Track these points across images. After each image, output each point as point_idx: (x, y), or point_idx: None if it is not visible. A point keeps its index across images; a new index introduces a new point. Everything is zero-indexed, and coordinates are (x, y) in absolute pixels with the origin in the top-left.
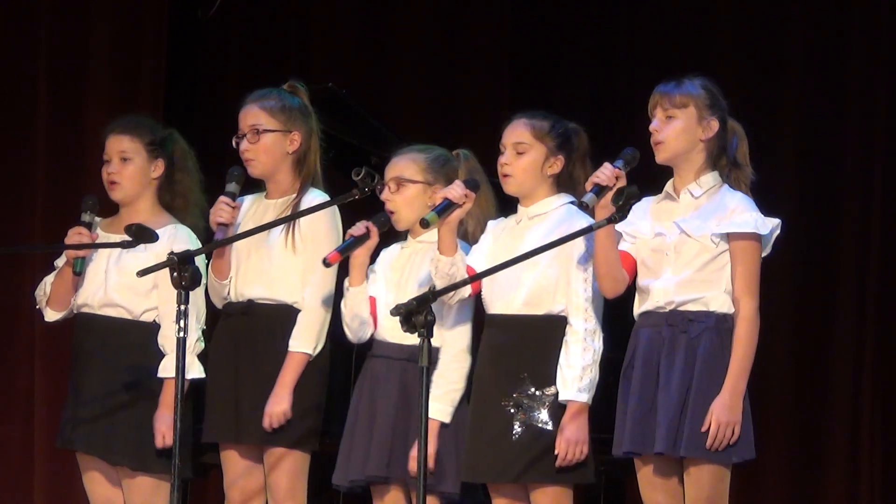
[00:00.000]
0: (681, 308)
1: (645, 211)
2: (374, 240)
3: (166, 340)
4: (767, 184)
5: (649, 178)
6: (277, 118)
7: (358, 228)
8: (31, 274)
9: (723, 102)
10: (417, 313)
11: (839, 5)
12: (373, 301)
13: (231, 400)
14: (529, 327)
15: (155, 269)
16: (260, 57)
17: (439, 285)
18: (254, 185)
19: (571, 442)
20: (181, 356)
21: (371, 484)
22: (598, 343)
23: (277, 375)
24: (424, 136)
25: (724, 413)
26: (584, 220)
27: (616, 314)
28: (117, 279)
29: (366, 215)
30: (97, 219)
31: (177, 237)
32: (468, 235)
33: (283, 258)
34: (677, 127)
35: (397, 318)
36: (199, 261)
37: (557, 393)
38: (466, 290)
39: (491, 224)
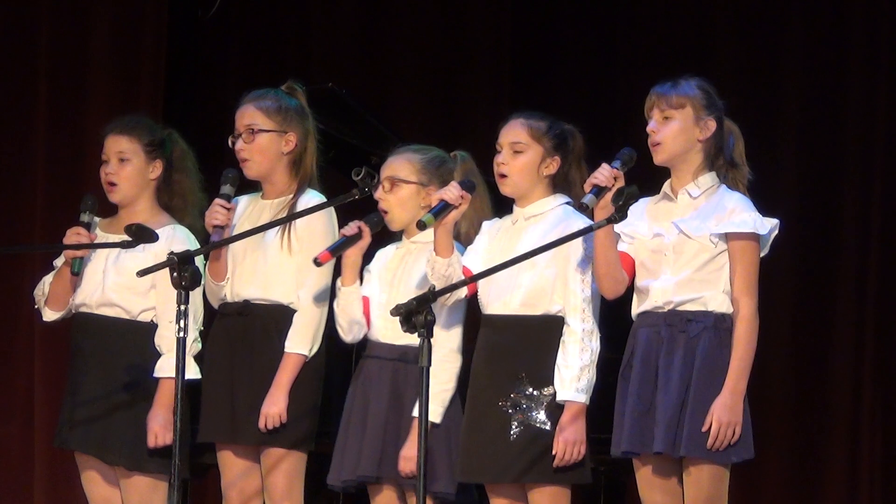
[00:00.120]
0: (679, 308)
1: (642, 212)
2: (366, 240)
3: (162, 340)
4: (767, 184)
5: (647, 178)
6: (273, 118)
7: (350, 228)
8: (30, 274)
9: (719, 102)
10: (417, 313)
11: (839, 5)
12: (366, 301)
13: (227, 400)
14: (527, 328)
15: (155, 269)
16: (260, 57)
17: (436, 286)
18: (250, 185)
19: (570, 442)
20: (181, 356)
21: (366, 484)
22: (595, 343)
23: (273, 376)
24: (424, 135)
25: (725, 413)
26: (581, 221)
27: (615, 315)
28: (115, 279)
29: (361, 215)
30: (96, 219)
31: (175, 237)
32: (461, 236)
33: (279, 259)
34: (675, 128)
35: (387, 318)
36: (198, 261)
37: (555, 393)
38: (463, 291)
39: (486, 224)
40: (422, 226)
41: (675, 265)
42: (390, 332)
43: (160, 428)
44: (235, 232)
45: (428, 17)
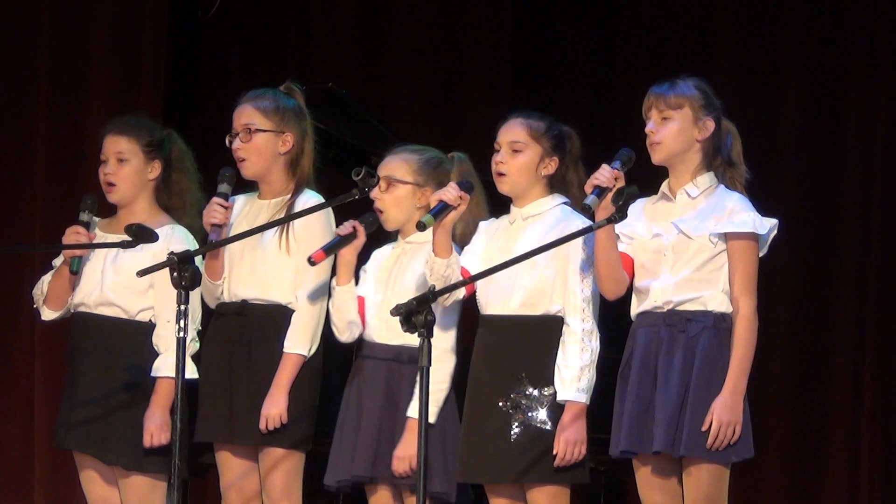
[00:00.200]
0: (679, 308)
1: (640, 212)
2: (360, 239)
3: (160, 340)
4: (767, 184)
5: (645, 178)
6: (271, 118)
7: (345, 228)
8: (30, 274)
9: (717, 102)
10: (417, 313)
11: (839, 5)
12: (361, 301)
13: (225, 400)
14: (526, 328)
15: (155, 269)
16: (260, 57)
17: (435, 287)
18: (247, 185)
19: (570, 442)
20: (181, 356)
21: (361, 484)
22: (595, 343)
23: (271, 376)
24: (424, 135)
25: (726, 413)
26: (580, 221)
27: (614, 315)
28: (113, 278)
29: (358, 215)
30: (95, 218)
31: (173, 237)
32: (456, 237)
33: (277, 259)
34: (673, 128)
35: (382, 318)
36: (197, 261)
37: (555, 393)
38: (461, 292)
39: (483, 225)
40: (421, 227)
41: (675, 265)
42: (385, 332)
43: (156, 428)
44: (233, 231)
45: (428, 17)
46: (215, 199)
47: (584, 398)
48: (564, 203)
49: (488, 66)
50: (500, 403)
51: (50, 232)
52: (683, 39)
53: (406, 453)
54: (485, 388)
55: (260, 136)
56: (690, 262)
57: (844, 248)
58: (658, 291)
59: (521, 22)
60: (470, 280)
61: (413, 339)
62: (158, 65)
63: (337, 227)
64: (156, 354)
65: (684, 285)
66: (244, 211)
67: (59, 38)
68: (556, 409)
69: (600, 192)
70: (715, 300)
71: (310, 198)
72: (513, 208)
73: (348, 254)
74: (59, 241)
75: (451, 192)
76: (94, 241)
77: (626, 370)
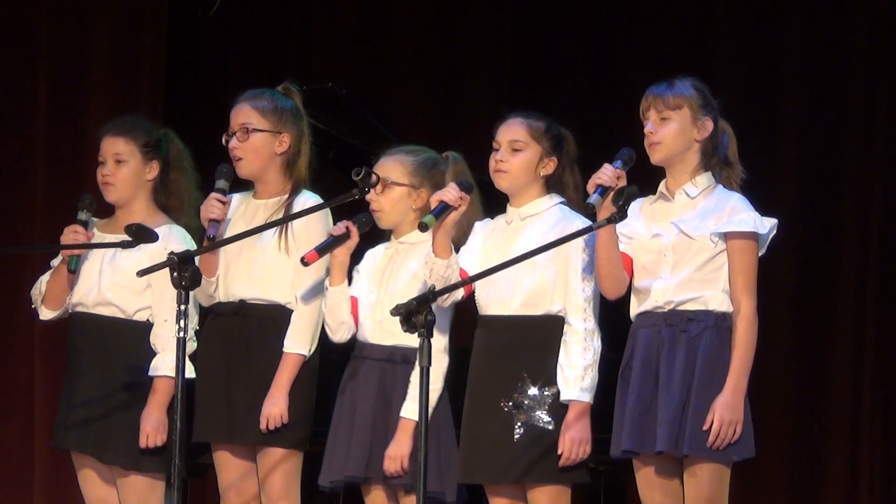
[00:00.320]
0: (680, 308)
1: (637, 212)
2: (353, 240)
3: (158, 339)
4: (767, 184)
5: (643, 178)
6: (268, 118)
7: (338, 228)
8: (30, 274)
9: (714, 102)
10: (417, 313)
11: (839, 5)
12: (355, 301)
13: (223, 400)
14: (527, 328)
15: (155, 269)
16: (260, 57)
17: (435, 287)
18: (241, 184)
19: (576, 441)
20: (181, 356)
21: (356, 484)
22: (597, 343)
23: (271, 375)
24: (424, 135)
25: (727, 412)
26: (580, 221)
27: (613, 315)
28: (111, 277)
29: (354, 215)
30: (93, 218)
31: (171, 237)
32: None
33: (276, 259)
34: (673, 128)
35: (375, 318)
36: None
37: (558, 393)
38: (460, 292)
39: (478, 225)
40: (423, 227)
41: (675, 265)
42: (378, 332)
43: (152, 430)
44: (229, 230)
45: (428, 17)
46: (213, 195)
47: (587, 398)
48: (562, 203)
49: (488, 66)
50: (502, 403)
51: (50, 232)
52: (683, 39)
53: (398, 453)
54: (486, 389)
55: (257, 136)
56: (691, 262)
57: (844, 248)
58: (659, 291)
59: (521, 22)
60: (470, 280)
61: (406, 340)
62: (158, 65)
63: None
64: (153, 354)
65: (685, 285)
66: (240, 210)
67: (59, 38)
68: (559, 408)
69: (603, 191)
70: (716, 300)
71: (308, 198)
72: (510, 208)
73: (341, 254)
74: (58, 240)
75: (451, 193)
76: (93, 242)
77: (627, 370)
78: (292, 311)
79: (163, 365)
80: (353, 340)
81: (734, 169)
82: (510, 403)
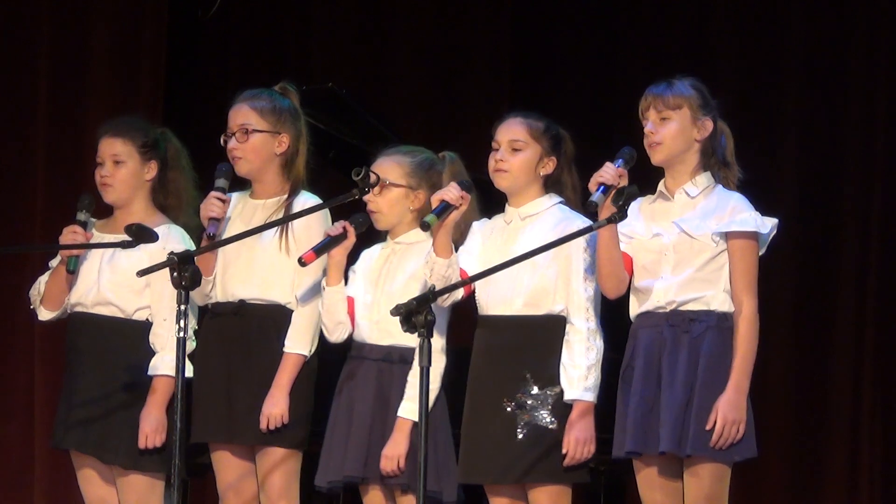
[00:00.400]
0: (681, 308)
1: (637, 211)
2: (350, 240)
3: (157, 338)
4: (767, 184)
5: (641, 178)
6: (267, 119)
7: (335, 228)
8: (30, 274)
9: (713, 102)
10: (417, 313)
11: (839, 5)
12: (351, 301)
13: (223, 400)
14: (530, 328)
15: (155, 269)
16: (260, 57)
17: (435, 287)
18: (238, 183)
19: (580, 441)
20: (181, 356)
21: (354, 484)
22: (600, 342)
23: (270, 376)
24: (424, 135)
25: (731, 412)
26: (580, 220)
27: (613, 314)
28: (110, 277)
29: (349, 214)
30: (92, 219)
31: (170, 237)
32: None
33: (276, 259)
34: (673, 128)
35: (372, 318)
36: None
37: (560, 392)
38: (460, 292)
39: (476, 225)
40: (425, 226)
41: (676, 265)
42: (375, 332)
43: (151, 430)
44: (227, 230)
45: (428, 17)
46: (213, 193)
47: (591, 397)
48: (561, 202)
49: (488, 66)
50: (505, 403)
51: (50, 232)
52: (683, 39)
53: (394, 453)
54: (487, 389)
55: (257, 137)
56: (692, 262)
57: (844, 248)
58: (661, 292)
59: (521, 22)
60: (471, 280)
61: (404, 339)
62: (158, 65)
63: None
64: (153, 353)
65: (687, 285)
66: (237, 209)
67: (59, 38)
68: (562, 408)
69: (605, 189)
70: (717, 300)
71: (308, 199)
72: (509, 208)
73: (338, 254)
74: (58, 241)
75: (452, 192)
76: (92, 242)
77: (629, 371)
78: (292, 312)
79: (162, 364)
80: (350, 340)
81: (731, 169)
82: (513, 403)
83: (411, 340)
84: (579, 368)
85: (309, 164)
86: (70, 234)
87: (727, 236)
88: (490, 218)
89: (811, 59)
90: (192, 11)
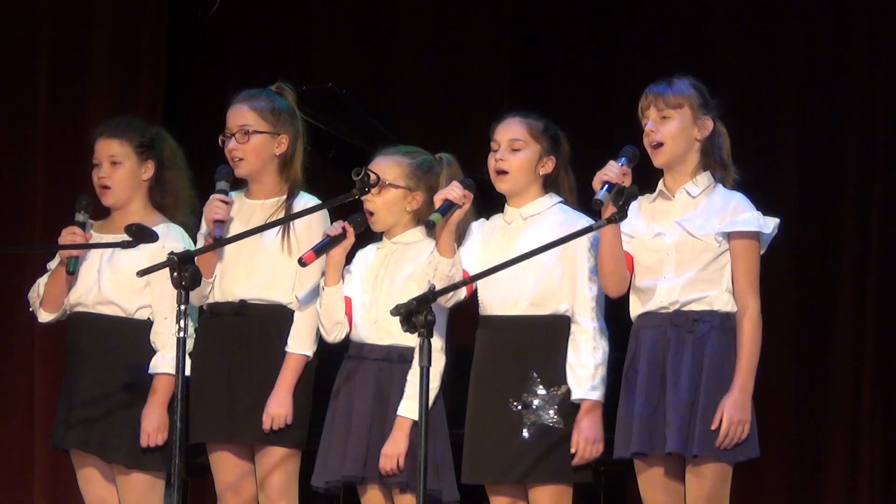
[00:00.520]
0: (685, 308)
1: (637, 210)
2: (350, 240)
3: (158, 337)
4: (767, 184)
5: (641, 176)
6: (267, 120)
7: (334, 228)
8: (30, 274)
9: (712, 101)
10: (417, 313)
11: (839, 5)
12: (348, 301)
13: (223, 400)
14: (535, 327)
15: (155, 269)
16: (260, 57)
17: (438, 287)
18: (233, 183)
19: (590, 441)
20: (181, 356)
21: (352, 484)
22: (605, 342)
23: (273, 375)
24: (424, 135)
25: (736, 412)
26: (583, 220)
27: (613, 314)
28: (110, 276)
29: (348, 215)
30: (90, 220)
31: (169, 235)
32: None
33: (278, 260)
34: (674, 127)
35: (371, 318)
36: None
37: (567, 392)
38: (463, 292)
39: (475, 225)
40: (431, 225)
41: (679, 265)
42: (374, 332)
43: (153, 429)
44: (225, 230)
45: (428, 16)
46: (217, 195)
47: (599, 396)
48: (561, 202)
49: (488, 66)
50: (511, 404)
51: (50, 232)
52: (683, 39)
53: (394, 451)
54: (492, 389)
55: (257, 138)
56: (695, 262)
57: (844, 248)
58: (664, 292)
59: (521, 22)
60: (473, 279)
61: (403, 339)
62: (158, 65)
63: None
64: (154, 352)
65: (690, 286)
66: (234, 210)
67: (59, 38)
68: (568, 408)
69: (610, 188)
70: (720, 300)
71: (307, 199)
72: (509, 208)
73: (337, 254)
74: (57, 242)
75: (456, 191)
76: (91, 242)
77: (631, 372)
78: (293, 312)
79: (163, 363)
80: (346, 340)
81: (728, 170)
82: (518, 403)
83: (411, 340)
84: (587, 368)
85: (304, 165)
86: (69, 235)
87: (729, 236)
88: (488, 218)
89: (811, 59)
90: (192, 11)
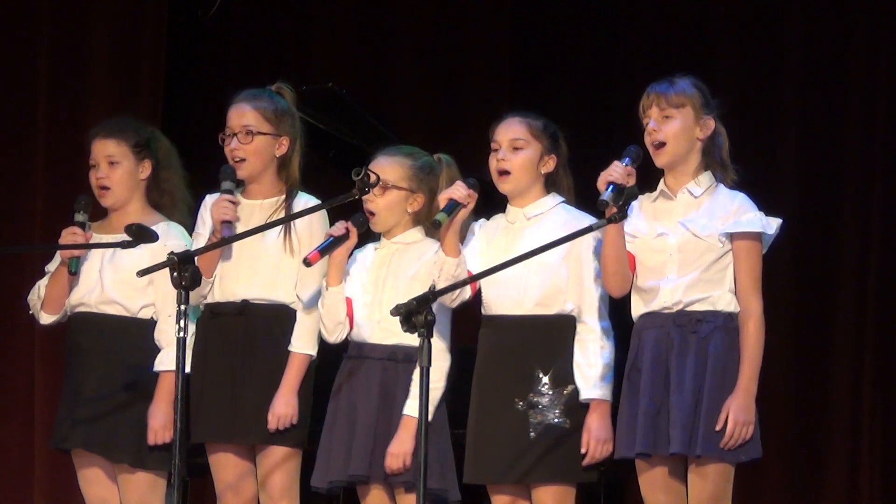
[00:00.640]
0: (688, 308)
1: (638, 210)
2: (353, 240)
3: (162, 335)
4: (767, 184)
5: (644, 176)
6: (270, 121)
7: (337, 228)
8: (30, 274)
9: (713, 101)
10: (417, 313)
11: (839, 5)
12: (348, 302)
13: (225, 400)
14: (541, 327)
15: (155, 269)
16: (260, 57)
17: (442, 286)
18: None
19: (600, 441)
20: (181, 356)
21: (354, 484)
22: (612, 342)
23: (275, 375)
24: (424, 135)
25: (741, 413)
26: (587, 220)
27: (614, 314)
28: (113, 276)
29: (348, 215)
30: (88, 221)
31: (170, 233)
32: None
33: (280, 260)
34: (676, 126)
35: (373, 318)
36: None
37: (573, 391)
38: (467, 292)
39: (476, 225)
40: (437, 225)
41: (682, 265)
42: (378, 332)
43: (160, 427)
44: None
45: (428, 17)
46: (224, 196)
47: (608, 396)
48: (563, 202)
49: (488, 66)
50: (516, 403)
51: (50, 232)
52: (683, 39)
53: (400, 450)
54: (496, 389)
55: (260, 140)
56: (698, 263)
57: (844, 248)
58: (667, 292)
59: (521, 22)
60: (475, 278)
61: (408, 339)
62: (158, 65)
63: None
64: (158, 350)
65: (693, 286)
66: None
67: (59, 38)
68: (574, 407)
69: (615, 188)
70: (723, 300)
71: (308, 199)
72: (512, 208)
73: (341, 255)
74: (58, 242)
75: (460, 190)
76: (92, 242)
77: (634, 372)
78: (295, 311)
79: (168, 360)
80: (345, 340)
81: (727, 169)
82: (524, 403)
83: (416, 339)
84: (595, 367)
85: (301, 165)
86: (70, 236)
87: (732, 237)
88: (488, 219)
89: (811, 59)
90: (192, 11)
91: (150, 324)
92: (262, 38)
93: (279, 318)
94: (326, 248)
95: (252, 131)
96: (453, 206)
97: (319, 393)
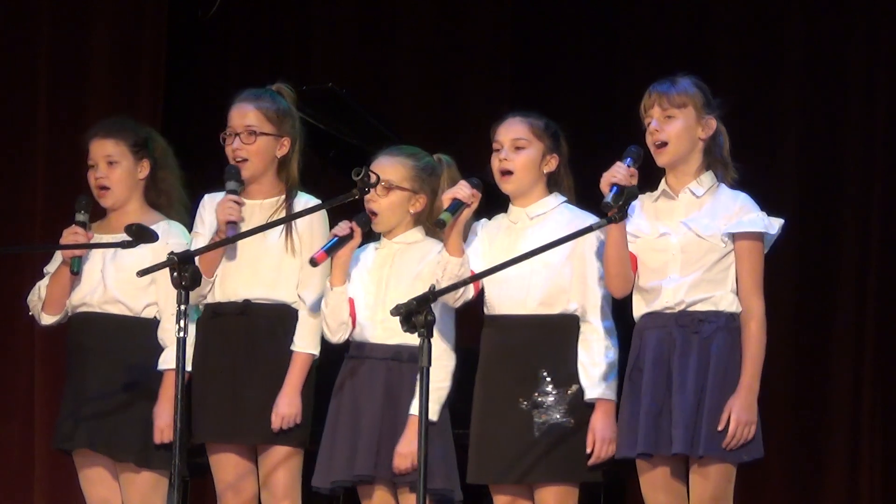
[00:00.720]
0: (690, 308)
1: (639, 210)
2: (357, 240)
3: (165, 334)
4: (767, 184)
5: (644, 176)
6: (273, 122)
7: (342, 228)
8: (30, 274)
9: (714, 101)
10: (417, 313)
11: (839, 6)
12: (350, 302)
13: (228, 400)
14: (544, 327)
15: (155, 269)
16: (260, 57)
17: (446, 286)
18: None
19: (606, 440)
20: (181, 356)
21: (357, 485)
22: (616, 341)
23: (279, 375)
24: (424, 136)
25: (744, 413)
26: (589, 219)
27: (615, 314)
28: (115, 275)
29: (349, 215)
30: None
31: (171, 232)
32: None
33: (282, 259)
34: (678, 126)
35: (376, 318)
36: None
37: (577, 391)
38: (470, 291)
39: (478, 225)
40: (441, 224)
41: (684, 265)
42: (381, 331)
43: (166, 425)
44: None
45: (428, 17)
46: (229, 197)
47: (612, 395)
48: (566, 202)
49: (488, 66)
50: (521, 403)
51: (50, 232)
52: (683, 39)
53: (408, 450)
54: (500, 389)
55: (263, 140)
56: (700, 263)
57: (844, 248)
58: (670, 292)
59: (521, 22)
60: (477, 277)
61: (412, 339)
62: (158, 65)
63: (331, 226)
64: (161, 349)
65: (696, 286)
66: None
67: (59, 38)
68: (578, 407)
69: (619, 189)
70: (725, 300)
71: (307, 199)
72: (514, 208)
73: (345, 254)
74: (58, 242)
75: (464, 190)
76: (93, 242)
77: (636, 372)
78: (297, 311)
79: (172, 359)
80: (346, 340)
81: (728, 169)
82: (528, 403)
83: (419, 339)
84: (600, 367)
85: (300, 165)
86: (71, 235)
87: (734, 237)
88: (489, 219)
89: (811, 59)
90: (192, 11)
91: (153, 323)
92: (262, 38)
93: (281, 318)
94: (332, 248)
95: (255, 131)
96: (457, 206)
97: (320, 393)
